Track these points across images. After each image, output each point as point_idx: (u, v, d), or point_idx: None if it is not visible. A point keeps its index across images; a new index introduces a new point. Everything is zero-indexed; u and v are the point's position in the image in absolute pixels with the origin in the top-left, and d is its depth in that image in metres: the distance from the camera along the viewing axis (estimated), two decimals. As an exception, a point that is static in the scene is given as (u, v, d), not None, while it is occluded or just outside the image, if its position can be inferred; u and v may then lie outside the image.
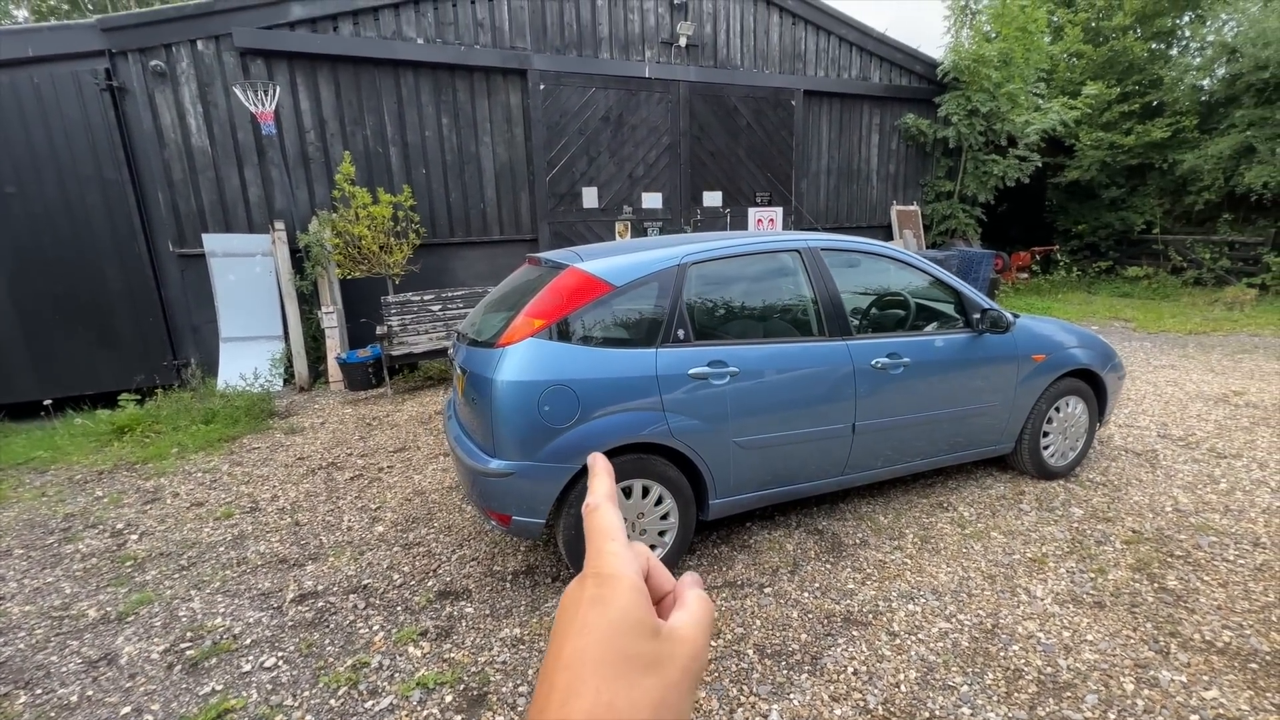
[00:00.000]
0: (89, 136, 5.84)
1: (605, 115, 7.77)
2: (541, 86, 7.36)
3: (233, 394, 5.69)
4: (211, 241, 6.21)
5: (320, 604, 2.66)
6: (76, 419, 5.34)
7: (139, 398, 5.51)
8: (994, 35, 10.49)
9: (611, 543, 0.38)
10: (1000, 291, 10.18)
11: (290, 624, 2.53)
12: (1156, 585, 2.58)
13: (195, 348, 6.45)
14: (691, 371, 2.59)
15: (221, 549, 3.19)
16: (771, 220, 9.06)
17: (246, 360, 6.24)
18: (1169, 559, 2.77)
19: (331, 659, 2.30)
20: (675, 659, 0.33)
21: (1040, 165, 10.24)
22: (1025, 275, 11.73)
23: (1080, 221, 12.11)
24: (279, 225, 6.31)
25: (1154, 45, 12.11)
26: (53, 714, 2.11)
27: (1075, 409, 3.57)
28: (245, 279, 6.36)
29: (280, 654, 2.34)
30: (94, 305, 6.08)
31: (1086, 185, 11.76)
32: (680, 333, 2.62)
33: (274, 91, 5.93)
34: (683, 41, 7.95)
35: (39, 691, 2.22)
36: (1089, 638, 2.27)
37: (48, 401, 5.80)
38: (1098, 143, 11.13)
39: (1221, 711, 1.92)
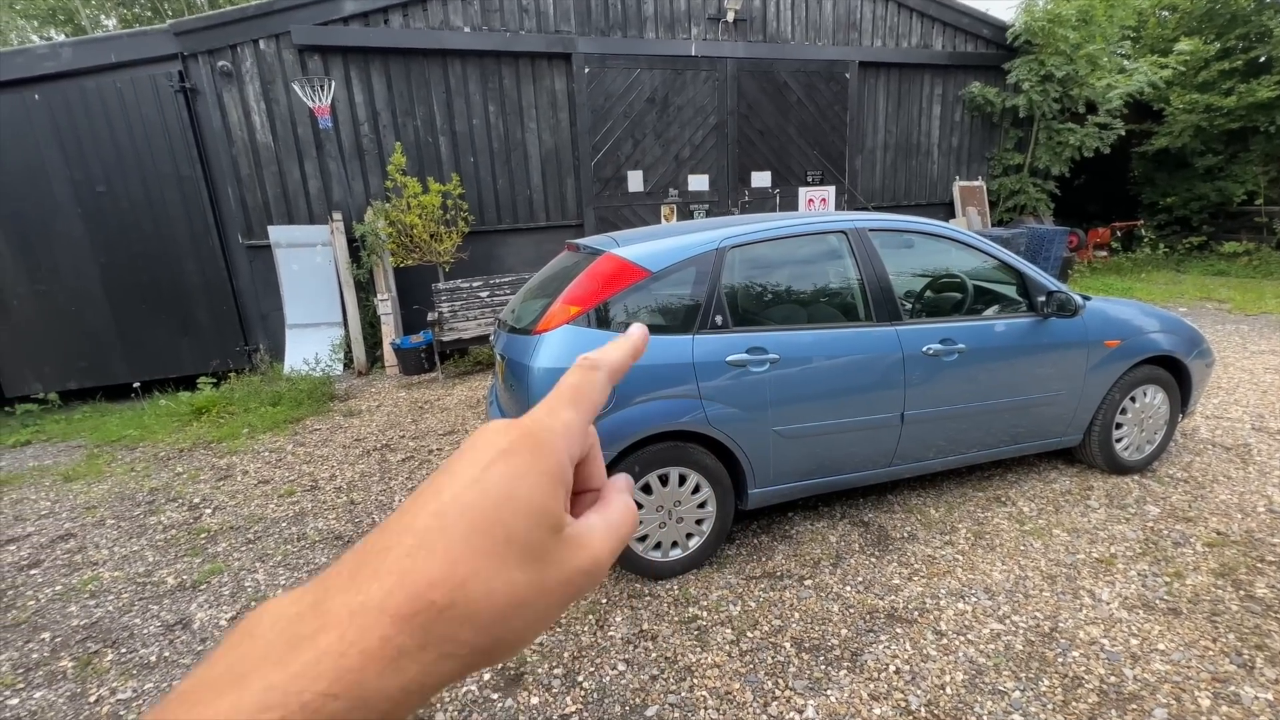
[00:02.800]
0: (166, 136, 6.22)
1: (650, 97, 7.66)
2: (586, 70, 7.32)
3: (297, 378, 6.02)
4: (276, 233, 6.54)
5: (371, 580, 2.78)
6: (161, 400, 5.78)
7: (215, 381, 5.90)
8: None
9: (570, 410, 0.31)
10: (1074, 271, 9.49)
11: (343, 598, 2.66)
12: (1242, 593, 2.36)
13: (264, 334, 6.84)
14: (730, 358, 2.53)
15: (284, 525, 3.38)
16: (823, 200, 8.75)
17: (309, 346, 6.57)
18: (1259, 564, 2.53)
19: (379, 633, 2.41)
20: (564, 564, 0.28)
21: (1123, 133, 9.42)
22: (1104, 253, 10.89)
23: (1169, 193, 11.10)
24: (336, 216, 6.57)
25: (1263, -7, 10.83)
26: (135, 671, 2.30)
27: (1154, 399, 3.29)
28: (307, 268, 6.67)
29: (333, 626, 2.47)
30: (175, 295, 6.53)
31: (1177, 153, 10.73)
32: (718, 319, 2.56)
33: (330, 86, 6.14)
34: (730, 17, 7.71)
35: (124, 650, 2.42)
36: (1160, 647, 2.10)
37: (136, 384, 6.31)
38: (1191, 105, 10.12)
39: (1314, 735, 1.74)
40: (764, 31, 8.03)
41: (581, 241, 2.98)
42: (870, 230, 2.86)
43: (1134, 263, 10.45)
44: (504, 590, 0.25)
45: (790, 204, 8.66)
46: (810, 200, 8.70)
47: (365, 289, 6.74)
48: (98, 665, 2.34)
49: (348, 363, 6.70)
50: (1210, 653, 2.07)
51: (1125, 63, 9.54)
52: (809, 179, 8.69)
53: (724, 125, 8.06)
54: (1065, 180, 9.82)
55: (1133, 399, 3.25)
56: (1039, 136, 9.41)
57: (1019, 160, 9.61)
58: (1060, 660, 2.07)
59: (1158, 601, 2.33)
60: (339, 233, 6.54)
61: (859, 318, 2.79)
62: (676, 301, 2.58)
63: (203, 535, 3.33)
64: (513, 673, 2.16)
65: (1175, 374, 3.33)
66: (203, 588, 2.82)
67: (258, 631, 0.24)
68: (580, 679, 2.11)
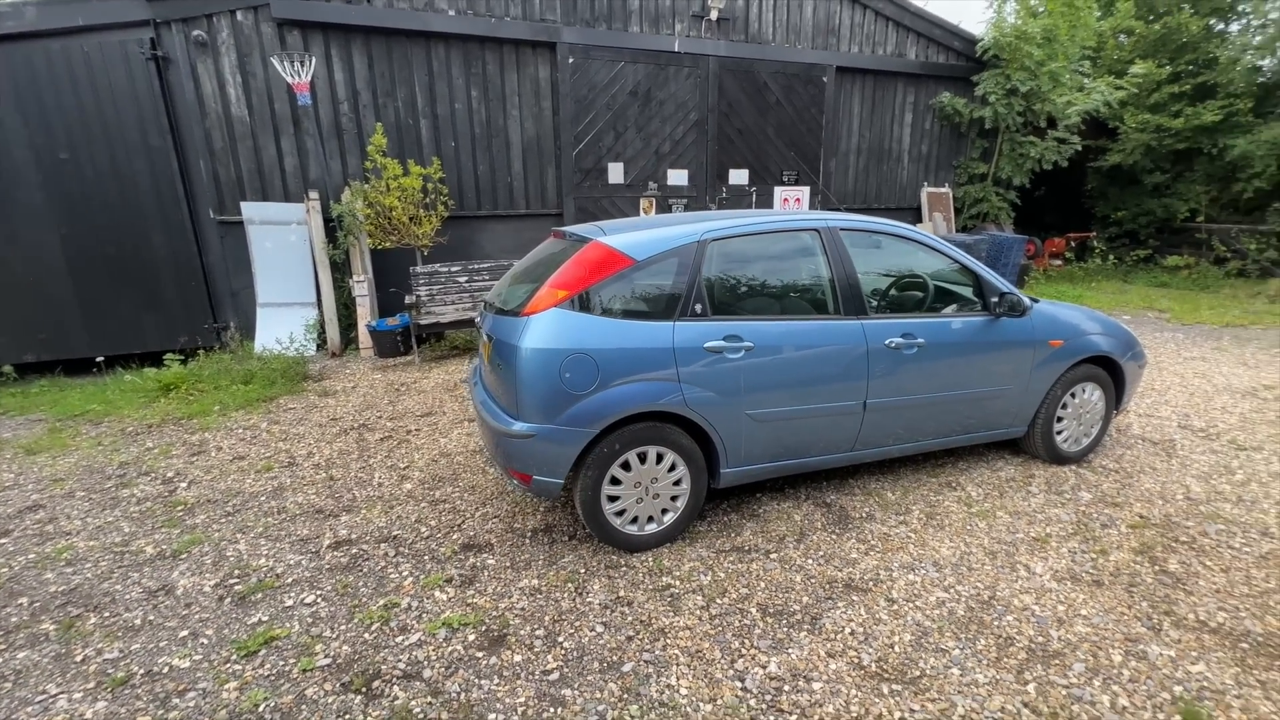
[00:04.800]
0: (135, 105, 6.05)
1: (633, 90, 7.75)
2: (570, 60, 7.37)
3: (269, 357, 5.96)
4: (249, 209, 6.44)
5: (354, 551, 2.86)
6: (126, 376, 5.66)
7: (182, 358, 5.80)
8: (1040, 10, 10.08)
9: None
10: (1030, 278, 9.98)
11: (327, 567, 2.73)
12: (1157, 568, 2.64)
13: (234, 312, 6.73)
14: (707, 345, 2.68)
15: (263, 499, 3.42)
16: (798, 200, 8.99)
17: (282, 325, 6.50)
18: (1173, 544, 2.81)
19: (365, 599, 2.50)
20: None
21: (1080, 148, 9.92)
22: (1059, 262, 11.45)
23: (1120, 208, 11.71)
24: (313, 195, 6.50)
25: (1211, 22, 11.50)
26: (120, 633, 2.34)
27: (1092, 395, 3.58)
28: (281, 246, 6.58)
29: (319, 592, 2.55)
30: (140, 268, 6.37)
31: (1129, 170, 11.34)
32: (698, 307, 2.71)
33: (310, 62, 6.06)
34: (714, 15, 7.85)
35: (106, 615, 2.46)
36: (1083, 613, 2.35)
37: (99, 359, 6.15)
38: (1143, 125, 10.70)
39: (1206, 684, 2.00)
40: (746, 31, 8.20)
41: (568, 229, 3.09)
42: (841, 229, 3.04)
43: (1085, 272, 11.02)
44: None
45: (766, 202, 8.87)
46: (785, 200, 8.94)
47: (341, 270, 6.69)
48: (81, 628, 2.38)
49: (321, 343, 6.66)
50: (1125, 617, 2.32)
51: (1084, 81, 10.03)
52: (785, 179, 8.92)
53: (704, 122, 8.22)
54: (1025, 191, 10.29)
55: (1073, 395, 3.53)
56: (1003, 148, 9.84)
57: (983, 170, 10.03)
58: (996, 624, 2.29)
59: (1084, 574, 2.59)
60: (315, 212, 6.48)
61: (828, 311, 2.98)
62: (659, 290, 2.72)
63: (179, 508, 3.34)
64: (496, 634, 2.28)
65: (1111, 373, 3.63)
66: (183, 557, 2.86)
67: None
68: (561, 639, 2.24)
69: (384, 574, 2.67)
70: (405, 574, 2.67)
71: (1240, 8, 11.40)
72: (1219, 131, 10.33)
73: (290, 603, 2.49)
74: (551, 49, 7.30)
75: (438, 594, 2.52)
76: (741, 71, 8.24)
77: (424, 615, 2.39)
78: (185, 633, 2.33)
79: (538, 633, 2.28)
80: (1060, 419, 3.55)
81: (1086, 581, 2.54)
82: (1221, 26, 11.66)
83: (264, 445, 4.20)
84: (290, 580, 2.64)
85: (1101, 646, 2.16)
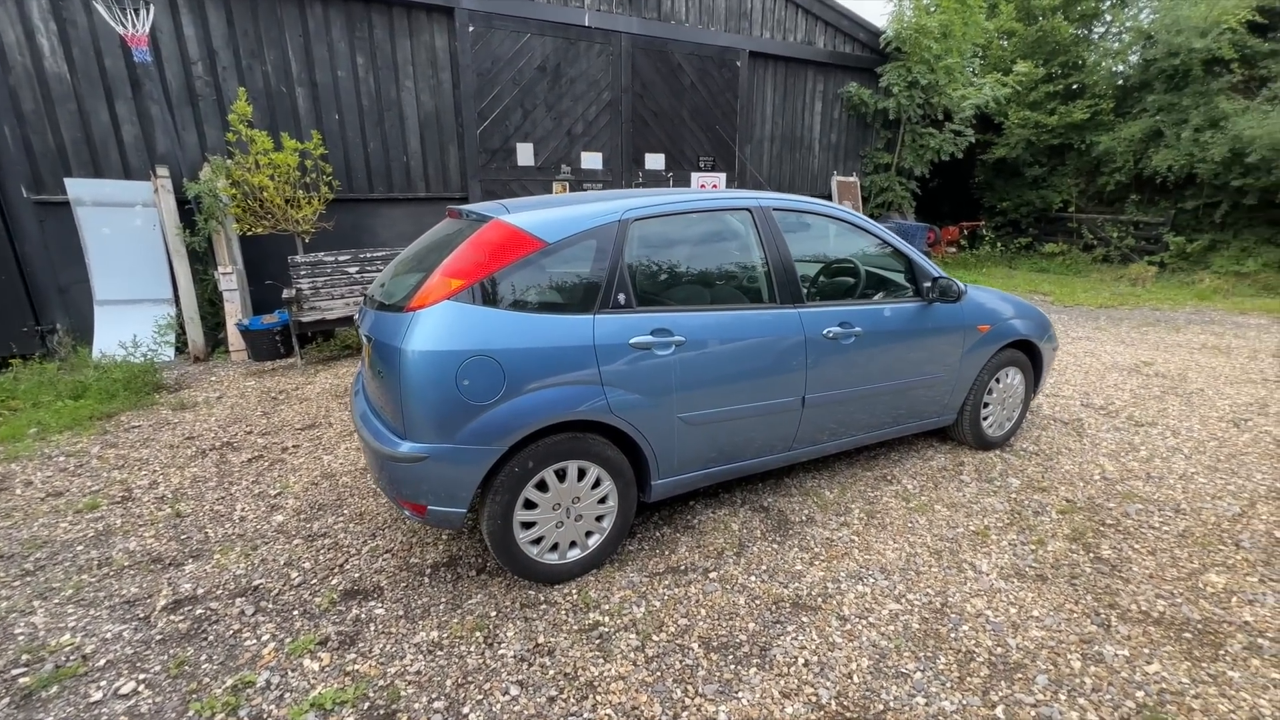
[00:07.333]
0: (-95, 53, 4.80)
1: (541, 65, 7.22)
2: (471, 28, 6.72)
3: (109, 365, 4.96)
4: (77, 188, 5.33)
5: (199, 611, 2.27)
6: (-94, 395, 4.50)
7: (-11, 369, 4.71)
8: (934, 8, 10.52)
9: None
10: (932, 265, 10.46)
11: (159, 638, 2.14)
12: (1092, 555, 2.60)
13: (64, 311, 5.60)
14: (633, 341, 2.32)
15: (80, 548, 2.70)
16: (715, 185, 8.83)
17: (128, 326, 5.47)
18: (1101, 528, 2.81)
19: (207, 680, 1.95)
20: None
21: (973, 141, 10.47)
22: (953, 249, 12.13)
23: (1005, 198, 12.59)
24: (162, 171, 5.49)
25: (1078, 29, 12.53)
26: None
27: (1014, 380, 3.58)
28: (123, 233, 5.53)
29: (142, 676, 1.96)
30: (-74, 260, 5.12)
31: (1012, 163, 12.19)
32: (621, 297, 2.35)
33: (147, 10, 5.06)
34: (625, -11, 7.45)
35: None
36: (1035, 614, 2.23)
37: None
38: (1024, 121, 11.50)
39: (1164, 685, 1.91)
40: (658, 9, 7.86)
41: (465, 208, 2.61)
42: (775, 209, 2.78)
43: (977, 258, 11.74)
44: None
45: (683, 187, 8.63)
46: (703, 185, 8.75)
47: (204, 260, 5.74)
48: None
49: (180, 347, 5.68)
50: (1075, 615, 2.23)
51: (974, 78, 10.58)
52: (701, 164, 8.72)
53: (618, 103, 7.82)
54: (924, 181, 10.74)
55: (997, 380, 3.51)
56: (905, 138, 10.19)
57: (888, 160, 10.36)
58: (953, 636, 2.12)
59: (1027, 569, 2.50)
60: (166, 191, 5.48)
61: (763, 299, 2.71)
62: (575, 277, 2.32)
63: (-44, 569, 2.56)
64: (383, 711, 1.82)
65: (1030, 357, 3.64)
66: (-51, 641, 2.14)
67: None
68: (465, 710, 1.82)
69: (237, 641, 2.12)
70: (266, 638, 2.13)
71: (1102, 16, 12.50)
72: (1086, 129, 11.28)
73: (98, 697, 1.89)
74: (449, 15, 6.61)
75: (308, 663, 2.01)
76: (655, 51, 7.91)
77: (287, 695, 1.88)
78: (-70, 760, 1.69)
79: (436, 705, 1.84)
80: (986, 404, 3.52)
81: (1031, 577, 2.44)
82: (1087, 32, 12.74)
83: (92, 476, 3.40)
84: (103, 662, 2.03)
85: (1059, 652, 2.04)
